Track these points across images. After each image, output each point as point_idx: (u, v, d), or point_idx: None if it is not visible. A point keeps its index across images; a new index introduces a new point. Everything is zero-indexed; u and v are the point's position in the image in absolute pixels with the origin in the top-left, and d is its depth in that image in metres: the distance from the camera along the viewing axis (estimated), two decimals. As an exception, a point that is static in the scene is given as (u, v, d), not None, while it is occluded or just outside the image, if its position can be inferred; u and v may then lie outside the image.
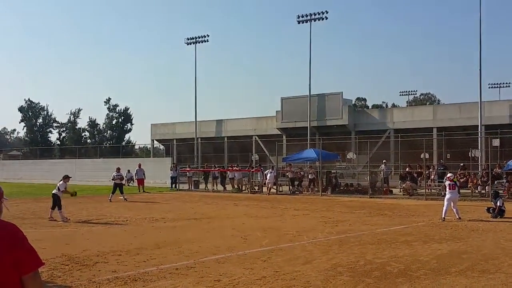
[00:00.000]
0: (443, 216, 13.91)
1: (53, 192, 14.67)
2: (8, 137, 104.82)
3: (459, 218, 13.94)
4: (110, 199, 21.20)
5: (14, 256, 2.45)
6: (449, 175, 15.01)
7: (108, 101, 74.16)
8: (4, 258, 2.43)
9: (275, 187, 26.71)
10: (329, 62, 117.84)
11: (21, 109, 76.95)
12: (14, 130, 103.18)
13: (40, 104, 77.83)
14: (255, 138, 45.99)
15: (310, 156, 28.13)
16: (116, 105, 74.65)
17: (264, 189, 27.13)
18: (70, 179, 15.60)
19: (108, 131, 75.41)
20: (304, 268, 7.75)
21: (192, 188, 30.35)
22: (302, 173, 28.18)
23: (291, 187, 27.18)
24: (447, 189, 14.44)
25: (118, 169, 22.82)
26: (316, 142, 35.88)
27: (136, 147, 68.73)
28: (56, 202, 14.35)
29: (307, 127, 41.07)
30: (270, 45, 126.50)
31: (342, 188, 26.19)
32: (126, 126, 75.46)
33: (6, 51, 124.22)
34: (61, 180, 14.97)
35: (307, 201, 21.26)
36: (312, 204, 19.91)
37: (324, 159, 27.27)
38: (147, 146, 57.60)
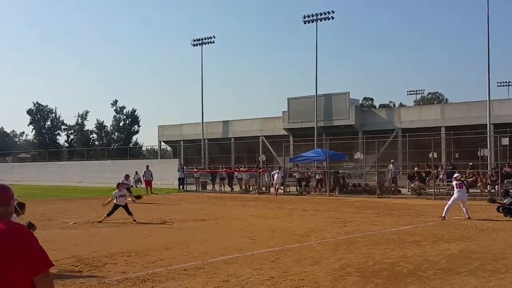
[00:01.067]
0: (443, 214, 13.83)
1: (116, 203, 14.07)
2: (17, 139, 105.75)
3: (469, 217, 13.86)
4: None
5: (24, 257, 2.47)
6: (456, 175, 14.94)
7: (115, 103, 74.61)
8: (15, 260, 2.45)
9: (282, 187, 26.69)
10: (336, 62, 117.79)
11: (29, 112, 77.69)
12: (23, 132, 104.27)
13: (48, 107, 78.63)
14: (262, 139, 45.96)
15: (317, 156, 28.08)
16: (123, 107, 75.10)
17: (272, 189, 27.13)
18: (126, 179, 13.92)
19: (116, 133, 75.75)
20: (312, 269, 7.74)
21: (200, 189, 30.44)
22: (309, 173, 28.14)
23: (298, 187, 27.14)
24: (455, 189, 14.35)
25: (127, 176, 21.30)
26: (323, 142, 35.80)
27: (144, 148, 69.06)
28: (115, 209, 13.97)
29: (314, 127, 40.99)
30: (276, 45, 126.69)
31: (349, 188, 26.11)
32: (133, 128, 75.74)
33: (13, 54, 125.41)
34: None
35: (315, 202, 21.21)
36: (320, 204, 19.86)
37: (331, 159, 27.19)
38: (154, 148, 57.82)
